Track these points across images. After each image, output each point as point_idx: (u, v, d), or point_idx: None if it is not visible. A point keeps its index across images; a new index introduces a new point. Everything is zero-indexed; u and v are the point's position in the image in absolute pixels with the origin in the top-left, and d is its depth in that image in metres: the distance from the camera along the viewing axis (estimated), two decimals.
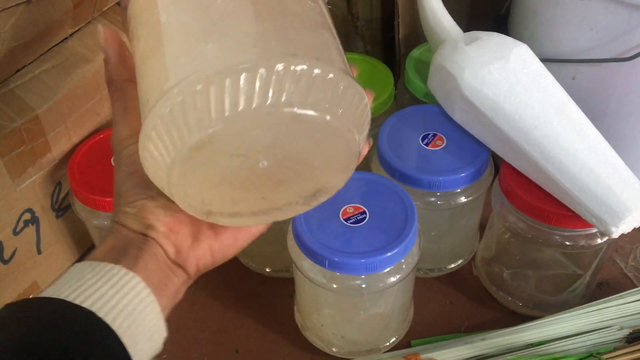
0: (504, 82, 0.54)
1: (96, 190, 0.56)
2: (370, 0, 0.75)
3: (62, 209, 0.62)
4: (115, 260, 0.35)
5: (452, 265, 0.64)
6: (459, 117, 0.58)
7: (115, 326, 0.32)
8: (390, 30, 0.73)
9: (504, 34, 0.69)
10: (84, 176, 0.57)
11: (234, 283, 0.65)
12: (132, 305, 0.34)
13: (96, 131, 0.62)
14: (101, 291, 0.33)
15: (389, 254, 0.49)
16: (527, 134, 0.52)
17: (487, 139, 0.56)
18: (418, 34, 0.73)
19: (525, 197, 0.53)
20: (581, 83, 0.60)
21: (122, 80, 0.39)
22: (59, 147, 0.59)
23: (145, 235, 0.37)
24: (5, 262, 0.58)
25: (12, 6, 0.50)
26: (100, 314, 0.32)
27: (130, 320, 0.33)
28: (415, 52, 0.70)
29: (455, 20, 0.62)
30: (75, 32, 0.60)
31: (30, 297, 0.34)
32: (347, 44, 0.78)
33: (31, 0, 0.51)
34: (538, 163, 0.52)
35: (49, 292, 0.33)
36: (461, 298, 0.63)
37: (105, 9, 0.62)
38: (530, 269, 0.59)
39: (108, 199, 0.56)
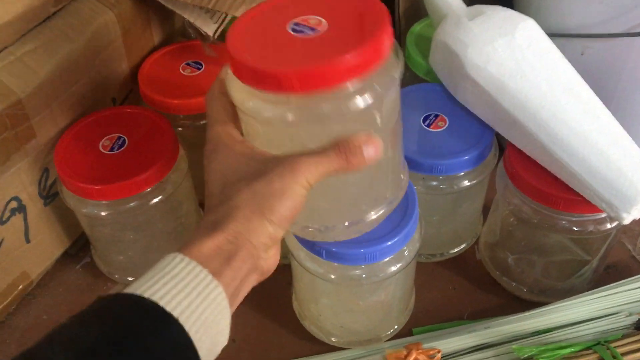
0: (509, 59, 0.51)
1: (84, 178, 0.54)
2: None
3: (50, 196, 0.60)
4: (218, 271, 0.35)
5: (455, 250, 0.62)
6: (462, 96, 0.55)
7: (197, 342, 0.33)
8: (390, 4, 0.70)
9: (509, 7, 0.67)
10: (71, 163, 0.55)
11: None
12: (212, 317, 0.34)
13: (83, 114, 0.60)
14: (193, 303, 0.33)
15: (389, 243, 0.47)
16: (534, 114, 0.49)
17: (491, 119, 0.54)
18: (419, 8, 0.70)
19: (531, 180, 0.51)
20: (590, 59, 0.57)
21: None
22: (45, 132, 0.56)
23: (264, 249, 0.37)
24: None
25: None
26: (189, 330, 0.32)
27: (207, 335, 0.34)
28: (416, 28, 0.67)
29: None
30: (58, 10, 0.57)
31: (123, 292, 0.34)
32: None
33: None
34: (545, 145, 0.49)
35: (143, 286, 0.33)
36: (464, 283, 0.61)
37: None
38: (535, 254, 0.57)
39: (97, 187, 0.53)
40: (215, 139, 0.40)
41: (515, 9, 0.56)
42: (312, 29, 0.38)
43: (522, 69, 0.50)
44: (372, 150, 0.38)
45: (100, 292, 0.64)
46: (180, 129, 0.62)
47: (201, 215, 0.67)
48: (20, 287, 0.60)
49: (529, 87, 0.50)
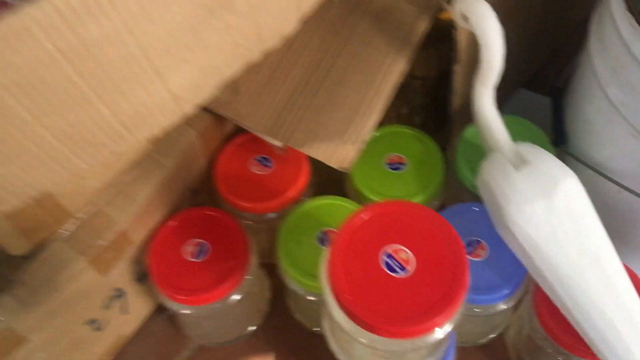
0: (546, 223, 0.57)
1: (172, 287, 0.63)
2: (425, 60, 0.75)
3: (143, 277, 0.71)
4: None
5: (488, 338, 0.71)
6: (500, 233, 0.61)
7: None
8: (444, 97, 0.74)
9: (559, 108, 0.71)
10: (160, 271, 0.65)
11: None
12: None
13: (169, 212, 0.68)
14: None
15: None
16: (561, 280, 0.56)
17: (526, 264, 0.61)
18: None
19: (554, 327, 0.59)
20: (625, 199, 0.62)
21: None
22: (138, 236, 0.66)
23: None
24: (99, 330, 0.68)
25: None
26: None
27: None
28: (468, 132, 0.71)
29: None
30: None
31: None
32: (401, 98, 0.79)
33: None
34: (568, 308, 0.57)
35: None
36: None
37: None
38: None
39: (183, 297, 0.63)
40: None
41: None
42: (403, 268, 0.47)
43: (556, 236, 0.56)
44: None
45: (184, 345, 0.76)
46: (248, 222, 0.71)
47: (266, 285, 0.76)
48: (118, 347, 0.73)
49: (560, 255, 0.56)
